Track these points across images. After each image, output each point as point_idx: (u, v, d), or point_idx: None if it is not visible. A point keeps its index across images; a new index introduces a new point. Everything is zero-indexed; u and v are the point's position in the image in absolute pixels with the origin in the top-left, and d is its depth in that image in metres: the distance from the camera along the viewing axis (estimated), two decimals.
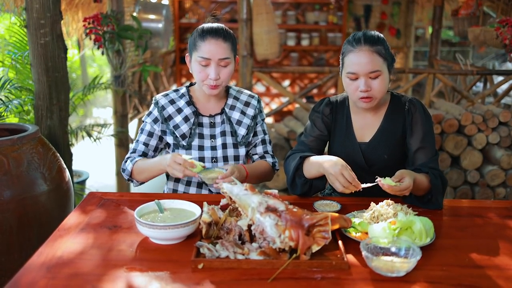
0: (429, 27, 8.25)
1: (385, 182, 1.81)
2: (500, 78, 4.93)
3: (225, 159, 2.21)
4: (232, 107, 2.24)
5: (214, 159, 2.20)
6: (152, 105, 2.24)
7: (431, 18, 6.44)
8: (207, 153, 2.19)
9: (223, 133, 2.21)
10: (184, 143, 2.18)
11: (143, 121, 2.26)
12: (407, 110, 2.10)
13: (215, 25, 2.14)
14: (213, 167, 2.08)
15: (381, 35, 2.03)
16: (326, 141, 2.25)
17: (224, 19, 7.34)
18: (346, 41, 2.05)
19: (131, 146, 2.26)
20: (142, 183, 2.23)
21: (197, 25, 7.91)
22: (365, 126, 2.15)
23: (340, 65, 2.10)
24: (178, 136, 2.18)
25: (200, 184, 2.24)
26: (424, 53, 9.65)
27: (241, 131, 2.23)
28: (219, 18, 2.28)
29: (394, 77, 2.12)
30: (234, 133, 2.23)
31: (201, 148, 2.18)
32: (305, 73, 7.99)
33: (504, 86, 4.94)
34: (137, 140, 2.24)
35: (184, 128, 2.18)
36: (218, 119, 2.24)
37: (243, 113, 2.25)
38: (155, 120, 2.20)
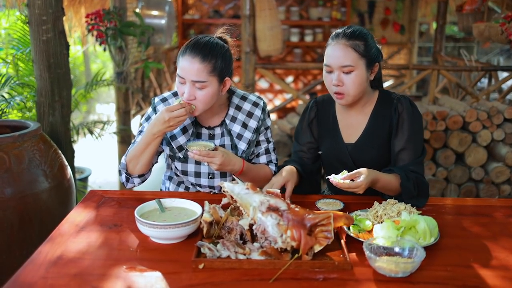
0: (433, 22, 8.20)
1: (334, 179, 1.81)
2: (505, 74, 4.90)
3: (223, 174, 2.10)
4: (233, 119, 2.08)
5: (211, 175, 2.10)
6: (150, 109, 2.12)
7: (436, 14, 6.40)
8: (204, 168, 2.07)
9: (222, 147, 2.04)
10: (180, 155, 2.06)
11: (141, 124, 2.14)
12: (394, 109, 2.05)
13: (205, 39, 1.93)
14: (199, 140, 1.98)
15: (366, 31, 1.99)
16: (317, 148, 2.22)
17: (227, 15, 7.31)
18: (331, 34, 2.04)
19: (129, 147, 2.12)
20: (141, 177, 2.04)
21: (200, 21, 7.85)
22: (351, 125, 2.11)
23: None
24: (174, 147, 2.06)
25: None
26: (428, 49, 9.59)
27: (242, 145, 2.08)
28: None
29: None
30: (234, 147, 2.08)
31: (197, 161, 2.05)
32: (309, 69, 7.94)
33: (509, 82, 4.90)
34: (134, 141, 2.09)
35: (182, 139, 2.05)
36: (217, 130, 2.09)
37: (244, 125, 2.08)
38: None
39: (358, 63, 1.95)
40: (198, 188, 2.17)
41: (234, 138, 2.08)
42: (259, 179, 2.08)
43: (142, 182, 2.08)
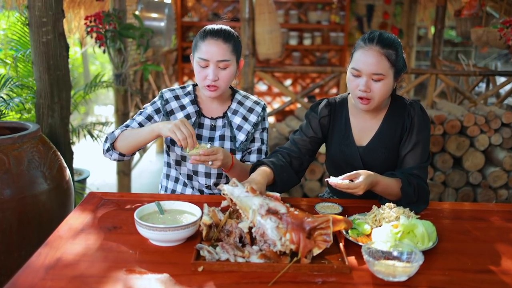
0: (432, 27, 8.23)
1: (333, 180, 1.84)
2: (503, 78, 4.91)
3: None
4: (235, 112, 2.20)
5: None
6: (157, 97, 2.23)
7: (434, 18, 6.42)
8: None
9: (222, 137, 2.17)
10: None
11: (143, 108, 2.22)
12: (407, 114, 2.06)
13: (218, 26, 2.10)
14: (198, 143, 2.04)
15: (398, 40, 1.97)
16: (319, 143, 2.20)
17: (227, 18, 7.29)
18: (361, 37, 2.00)
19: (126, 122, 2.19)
20: (121, 155, 2.12)
21: (199, 23, 7.87)
22: (364, 129, 2.11)
23: (350, 59, 2.05)
24: None
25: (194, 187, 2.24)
26: (426, 53, 9.63)
27: (241, 136, 2.18)
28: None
29: (399, 85, 2.09)
30: (233, 138, 2.18)
31: None
32: (307, 72, 7.97)
33: (507, 87, 4.92)
34: (133, 119, 2.18)
35: None
36: (219, 122, 2.20)
37: (244, 118, 2.20)
38: (157, 111, 2.19)
39: (388, 72, 1.93)
40: (195, 182, 2.24)
41: (234, 129, 2.19)
42: (246, 175, 2.10)
43: (119, 160, 2.16)
